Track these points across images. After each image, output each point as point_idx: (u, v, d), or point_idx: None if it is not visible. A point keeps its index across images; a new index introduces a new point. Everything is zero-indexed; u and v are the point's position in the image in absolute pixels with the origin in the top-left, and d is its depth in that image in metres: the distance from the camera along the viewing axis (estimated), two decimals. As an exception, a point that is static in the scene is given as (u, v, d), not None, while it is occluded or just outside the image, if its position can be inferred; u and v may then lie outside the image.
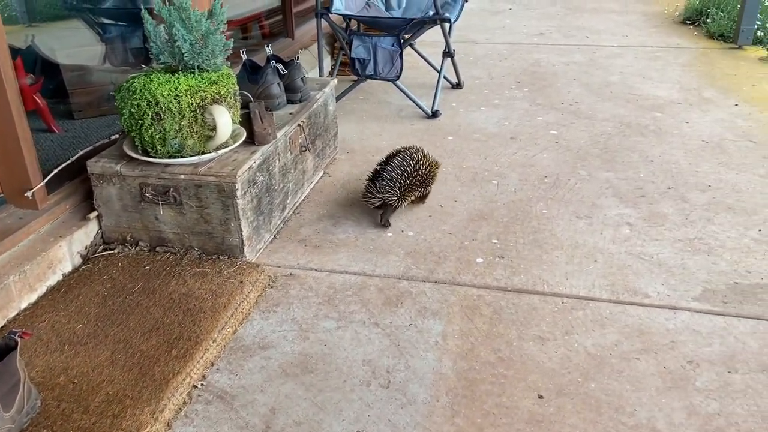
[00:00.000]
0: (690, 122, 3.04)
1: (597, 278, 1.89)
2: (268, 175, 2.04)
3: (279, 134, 2.10)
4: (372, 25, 3.36)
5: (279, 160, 2.12)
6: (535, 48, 4.43)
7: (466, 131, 3.04)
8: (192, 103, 1.78)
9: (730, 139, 2.83)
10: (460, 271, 1.95)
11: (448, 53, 3.32)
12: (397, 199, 2.11)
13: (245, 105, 2.06)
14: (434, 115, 3.20)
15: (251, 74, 2.27)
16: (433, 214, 2.28)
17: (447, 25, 3.14)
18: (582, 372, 1.54)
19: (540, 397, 1.47)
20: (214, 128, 1.83)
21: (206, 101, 1.80)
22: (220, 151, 1.89)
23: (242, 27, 3.80)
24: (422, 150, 2.21)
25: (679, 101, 3.32)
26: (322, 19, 3.16)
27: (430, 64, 3.73)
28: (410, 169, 2.12)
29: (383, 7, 3.06)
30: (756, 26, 4.20)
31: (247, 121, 2.05)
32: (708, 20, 4.65)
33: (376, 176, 2.13)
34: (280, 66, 2.26)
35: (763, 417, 1.39)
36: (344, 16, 3.14)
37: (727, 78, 3.67)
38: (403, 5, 3.16)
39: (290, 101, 2.36)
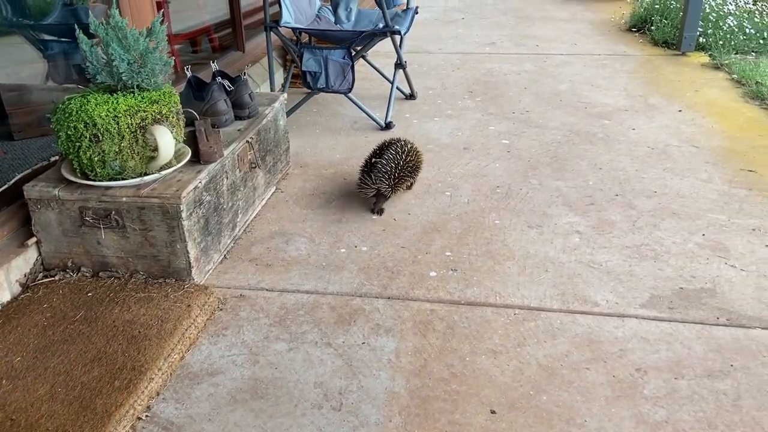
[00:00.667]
0: (636, 129, 3.11)
1: (548, 288, 1.90)
2: (216, 194, 2.00)
3: (226, 152, 2.06)
4: (323, 38, 3.34)
5: (227, 178, 2.08)
6: (487, 57, 4.48)
7: (419, 142, 3.02)
8: (132, 124, 1.73)
9: (675, 144, 2.91)
10: (413, 285, 1.94)
11: (399, 65, 3.32)
12: (391, 189, 2.29)
13: (191, 123, 2.02)
14: (388, 126, 3.20)
15: (197, 91, 2.22)
16: (387, 228, 2.27)
17: (398, 37, 3.14)
18: (534, 384, 1.54)
19: (492, 412, 1.46)
20: (156, 149, 1.78)
21: (147, 121, 1.75)
22: (164, 172, 1.84)
23: (191, 41, 3.75)
24: (410, 142, 2.42)
25: (626, 108, 3.40)
26: (272, 33, 3.13)
27: (383, 75, 3.74)
28: (402, 162, 2.30)
29: (333, 20, 3.05)
30: (698, 33, 4.34)
31: (192, 139, 2.00)
32: (653, 28, 4.79)
33: (370, 168, 2.29)
34: (226, 82, 2.23)
35: (710, 423, 1.41)
36: (294, 29, 3.12)
37: (672, 84, 3.77)
38: (353, 18, 3.15)
39: (238, 117, 2.32)
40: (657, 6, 4.91)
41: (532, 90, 3.75)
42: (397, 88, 3.55)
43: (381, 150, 2.34)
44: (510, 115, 3.37)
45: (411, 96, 3.65)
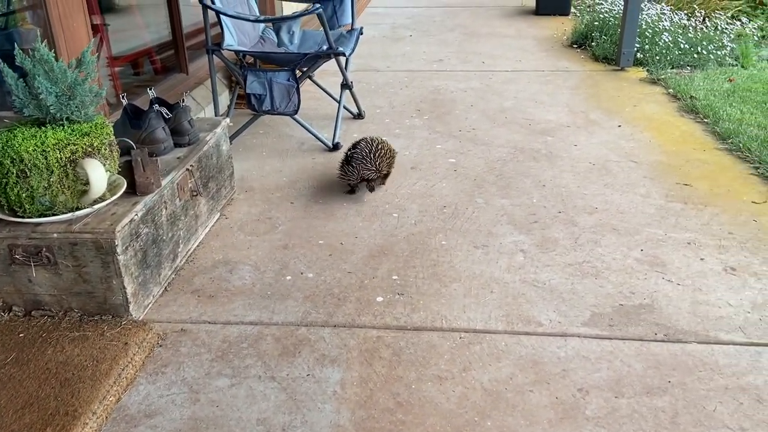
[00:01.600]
0: (578, 145, 3.19)
1: (493, 309, 1.92)
2: (154, 226, 1.95)
3: (164, 181, 2.01)
4: (267, 60, 3.32)
5: (166, 208, 2.03)
6: (435, 75, 4.53)
7: (366, 163, 3.04)
8: (61, 158, 1.67)
9: (615, 160, 2.99)
10: (360, 312, 1.92)
11: (346, 86, 3.33)
12: (374, 171, 2.56)
13: (128, 152, 1.97)
14: (336, 147, 3.19)
15: (133, 119, 2.17)
16: (333, 253, 2.25)
17: (343, 59, 3.14)
18: (479, 410, 1.54)
19: (438, 441, 1.46)
20: (87, 183, 1.72)
21: (78, 155, 1.69)
22: (97, 206, 1.78)
23: (132, 63, 3.66)
24: (378, 137, 2.68)
25: (568, 124, 3.48)
26: (215, 56, 3.08)
27: (329, 95, 3.73)
28: (375, 149, 2.58)
29: (277, 41, 3.03)
30: (635, 49, 4.49)
31: (128, 169, 1.95)
32: (593, 44, 4.94)
33: (349, 160, 2.57)
34: (164, 109, 2.18)
35: (648, 440, 1.44)
36: (237, 52, 3.08)
37: (612, 100, 3.89)
38: (296, 41, 3.14)
39: (178, 145, 2.27)
40: (596, 23, 5.06)
41: (478, 107, 3.80)
42: (345, 107, 3.55)
43: (354, 146, 2.63)
44: (457, 133, 3.40)
45: (359, 115, 3.66)
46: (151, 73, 3.74)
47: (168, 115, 2.19)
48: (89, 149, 1.71)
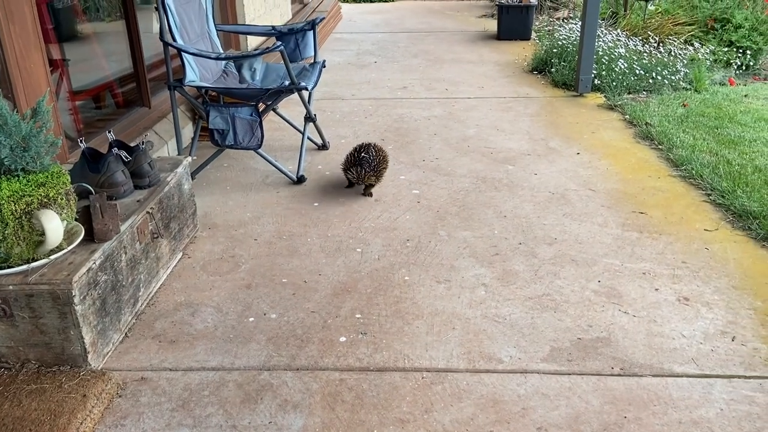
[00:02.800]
0: (538, 174, 3.26)
1: (455, 347, 1.94)
2: (113, 272, 1.93)
3: (123, 227, 2.00)
4: (229, 95, 3.33)
5: (126, 253, 2.01)
6: (399, 102, 4.59)
7: (331, 196, 3.06)
8: (16, 210, 1.65)
9: (573, 188, 3.07)
10: (323, 353, 1.93)
11: (309, 118, 3.35)
12: (376, 178, 2.95)
13: (87, 195, 1.95)
14: (300, 180, 3.20)
15: (92, 163, 2.15)
16: (297, 292, 2.26)
17: (305, 93, 3.17)
18: (440, 453, 1.56)
19: (399, 488, 1.47)
20: (43, 233, 1.70)
21: (33, 206, 1.68)
22: (54, 256, 1.76)
23: (94, 97, 3.63)
24: (377, 145, 3.02)
25: (529, 152, 3.56)
26: (177, 92, 3.08)
27: (293, 126, 3.75)
28: (380, 160, 2.96)
29: (239, 78, 3.04)
30: (593, 75, 4.62)
31: (87, 215, 1.93)
32: (552, 70, 5.06)
33: (354, 163, 2.91)
34: (123, 153, 2.17)
35: (604, 479, 1.47)
36: (198, 88, 3.09)
37: (570, 126, 3.99)
38: (258, 77, 3.16)
39: (138, 187, 2.26)
40: (555, 50, 5.20)
41: (441, 136, 3.86)
42: (309, 138, 3.58)
43: (359, 151, 2.95)
44: (420, 163, 3.45)
45: (323, 146, 3.68)
46: (113, 106, 3.71)
47: (127, 158, 2.18)
48: (45, 200, 1.70)
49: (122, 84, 3.68)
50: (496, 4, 6.90)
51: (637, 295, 2.19)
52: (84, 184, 2.04)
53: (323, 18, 3.61)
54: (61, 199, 1.75)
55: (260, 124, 3.02)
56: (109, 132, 2.27)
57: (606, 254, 2.46)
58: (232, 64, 3.53)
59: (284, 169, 3.21)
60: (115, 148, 2.17)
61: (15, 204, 1.65)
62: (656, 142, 3.60)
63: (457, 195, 3.04)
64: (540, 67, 5.34)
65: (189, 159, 2.57)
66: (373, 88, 5.02)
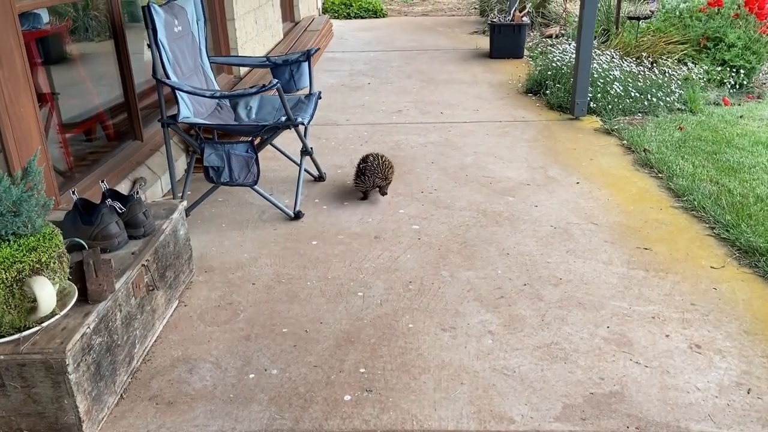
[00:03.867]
0: (539, 205, 3.21)
1: (464, 405, 1.88)
2: (108, 333, 1.86)
3: (118, 284, 1.93)
4: (224, 131, 3.26)
5: (121, 311, 1.94)
6: (395, 128, 4.54)
7: (330, 233, 3.00)
8: (7, 279, 1.58)
9: (575, 222, 3.02)
10: (327, 414, 1.86)
11: (305, 152, 3.30)
12: (383, 179, 3.26)
13: (80, 248, 1.88)
14: (297, 216, 3.14)
15: (85, 216, 2.08)
16: (298, 343, 2.19)
17: (302, 128, 3.11)
18: None
19: None
20: (36, 299, 1.63)
21: (24, 273, 1.60)
22: (46, 324, 1.68)
23: (86, 131, 3.55)
24: (380, 154, 3.33)
25: (528, 182, 3.51)
26: (170, 128, 3.01)
27: (289, 158, 3.69)
28: (381, 163, 3.26)
29: (233, 114, 2.97)
30: (588, 98, 4.60)
31: (80, 273, 1.86)
32: (547, 92, 5.04)
33: (363, 171, 3.24)
34: (117, 204, 2.10)
35: None
36: (193, 124, 3.02)
37: (568, 153, 3.95)
38: (254, 115, 3.09)
39: (133, 236, 2.19)
40: (549, 72, 5.17)
41: (439, 164, 3.81)
42: (306, 170, 3.52)
43: (364, 160, 3.28)
44: (419, 195, 3.40)
45: (320, 177, 3.62)
46: (104, 139, 3.63)
47: (121, 209, 2.11)
48: (37, 266, 1.63)
49: (113, 115, 3.61)
50: (488, 23, 6.89)
51: (647, 342, 2.14)
52: (77, 239, 1.97)
53: (318, 49, 3.56)
54: (54, 263, 1.68)
55: (256, 160, 2.96)
56: (103, 182, 2.20)
57: (613, 296, 2.41)
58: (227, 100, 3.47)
59: (281, 205, 3.15)
60: (109, 199, 2.10)
61: (6, 272, 1.57)
62: (656, 170, 3.57)
63: (458, 230, 2.98)
64: (534, 89, 5.31)
65: (184, 203, 2.50)
66: (368, 112, 4.97)
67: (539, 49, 6.52)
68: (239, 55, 5.02)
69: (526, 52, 6.77)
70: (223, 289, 2.53)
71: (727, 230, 2.83)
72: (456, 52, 7.19)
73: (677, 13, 6.27)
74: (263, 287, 2.54)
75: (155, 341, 2.20)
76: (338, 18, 9.99)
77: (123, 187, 3.11)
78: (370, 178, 3.24)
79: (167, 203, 2.48)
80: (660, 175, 3.52)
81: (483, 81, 5.83)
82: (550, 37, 7.22)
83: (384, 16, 10.17)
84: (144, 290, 2.10)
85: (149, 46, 2.89)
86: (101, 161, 3.21)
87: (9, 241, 1.64)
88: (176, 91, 2.91)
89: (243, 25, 5.27)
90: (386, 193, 3.35)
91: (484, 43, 7.42)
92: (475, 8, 10.35)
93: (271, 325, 2.29)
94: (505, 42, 6.63)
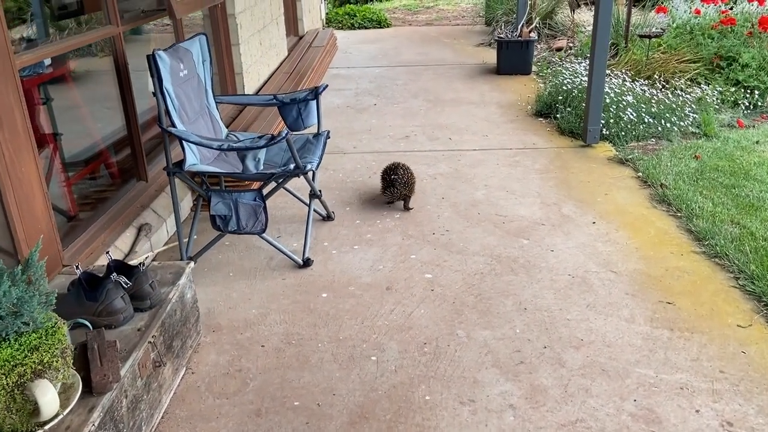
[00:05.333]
0: (555, 250, 3.12)
1: (488, 496, 1.79)
2: (113, 424, 1.77)
3: (124, 369, 1.84)
4: (232, 178, 3.17)
5: (126, 397, 1.85)
6: (403, 157, 4.42)
7: (340, 283, 2.91)
8: (8, 384, 1.49)
9: (594, 270, 2.92)
10: (344, 508, 1.77)
11: (314, 195, 3.21)
12: (410, 191, 3.53)
13: (80, 325, 1.80)
14: (306, 263, 3.05)
15: (89, 291, 1.99)
16: (310, 420, 2.10)
17: (310, 174, 3.02)
18: None
19: None
20: (37, 404, 1.54)
21: (26, 378, 1.52)
22: (49, 425, 1.60)
23: (89, 173, 3.47)
24: (404, 164, 3.58)
25: (543, 221, 3.42)
26: (176, 177, 2.93)
27: (296, 197, 3.60)
28: (410, 177, 3.52)
29: (242, 167, 2.86)
30: (601, 125, 4.50)
31: (83, 358, 1.78)
32: (558, 116, 4.93)
33: (390, 184, 3.51)
34: (123, 278, 2.01)
35: None
36: (199, 172, 2.93)
37: (582, 186, 3.85)
38: (261, 156, 3.00)
39: (139, 309, 2.10)
40: (560, 96, 5.07)
41: (450, 200, 3.72)
42: (315, 210, 3.43)
43: (390, 173, 3.53)
44: (430, 237, 3.30)
45: (328, 217, 3.53)
46: (107, 178, 3.55)
47: (127, 283, 2.02)
48: (39, 367, 1.54)
49: (117, 155, 3.52)
50: (495, 39, 6.78)
51: (677, 419, 2.05)
52: (81, 320, 1.88)
53: (326, 86, 3.47)
54: (57, 361, 1.59)
55: (264, 208, 2.87)
56: (107, 253, 2.12)
57: (638, 361, 2.32)
58: (233, 135, 3.38)
59: (289, 252, 3.06)
60: (114, 273, 2.02)
61: (7, 377, 1.49)
62: (674, 209, 3.47)
63: (473, 280, 2.89)
64: (544, 112, 5.21)
65: (191, 265, 2.41)
66: (375, 138, 4.88)
67: (548, 67, 6.41)
68: (244, 83, 4.93)
69: (534, 68, 6.66)
70: (231, 353, 2.44)
71: (752, 282, 2.73)
72: (462, 67, 7.08)
73: (688, 28, 6.17)
74: (273, 350, 2.45)
75: (162, 418, 2.11)
76: (342, 29, 9.88)
77: (128, 235, 3.02)
78: (399, 189, 3.48)
79: (174, 266, 2.39)
80: (679, 214, 3.42)
81: (491, 101, 5.73)
82: (558, 50, 7.11)
83: (388, 26, 10.05)
84: (150, 368, 2.02)
85: (154, 94, 2.80)
86: (105, 207, 3.12)
87: (9, 340, 1.55)
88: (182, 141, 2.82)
89: (248, 48, 5.17)
90: (410, 208, 3.58)
91: (490, 56, 7.31)
92: (480, 16, 10.24)
93: (282, 398, 2.20)
94: (512, 58, 6.53)
